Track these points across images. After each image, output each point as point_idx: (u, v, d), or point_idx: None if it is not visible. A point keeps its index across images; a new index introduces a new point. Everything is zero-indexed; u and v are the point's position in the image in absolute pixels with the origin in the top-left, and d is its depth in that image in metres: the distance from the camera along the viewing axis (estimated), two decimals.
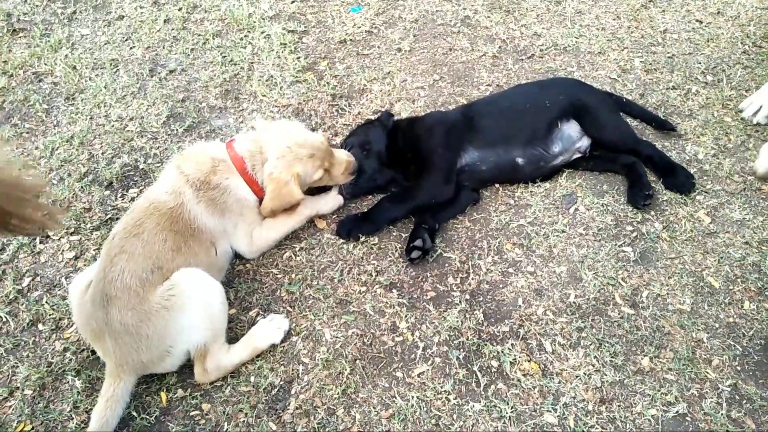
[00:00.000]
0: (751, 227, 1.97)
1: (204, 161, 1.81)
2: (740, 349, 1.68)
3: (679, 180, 2.07)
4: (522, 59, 2.70)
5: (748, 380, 1.61)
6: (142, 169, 2.25)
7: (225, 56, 2.73)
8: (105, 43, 2.83)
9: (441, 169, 2.03)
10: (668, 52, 2.70)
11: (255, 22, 2.90)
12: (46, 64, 2.72)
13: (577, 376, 1.63)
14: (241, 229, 1.88)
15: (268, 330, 1.71)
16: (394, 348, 1.72)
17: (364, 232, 1.99)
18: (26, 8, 3.06)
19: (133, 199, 2.13)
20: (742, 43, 2.73)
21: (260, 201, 1.88)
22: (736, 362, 1.65)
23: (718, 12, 2.93)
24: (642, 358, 1.66)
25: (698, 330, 1.72)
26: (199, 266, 1.68)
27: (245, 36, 2.84)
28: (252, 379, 1.65)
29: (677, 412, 1.55)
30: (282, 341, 1.71)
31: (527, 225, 2.02)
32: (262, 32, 2.84)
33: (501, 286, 1.86)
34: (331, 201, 2.08)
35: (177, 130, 2.39)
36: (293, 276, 1.90)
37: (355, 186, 2.08)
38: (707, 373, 1.63)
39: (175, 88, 2.58)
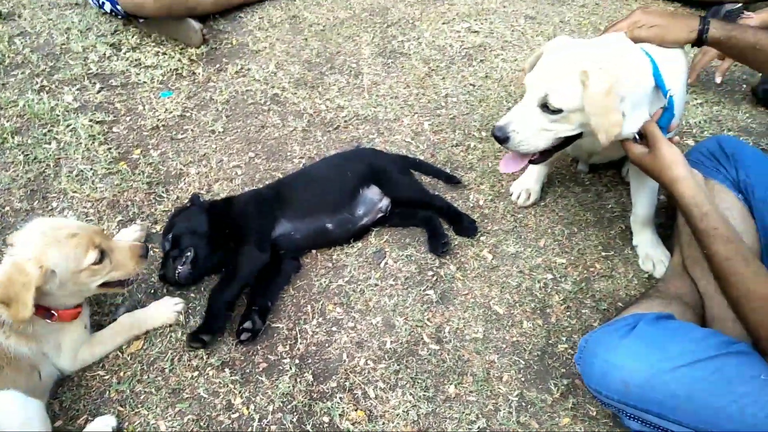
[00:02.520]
0: (523, 258, 2.41)
1: None
2: (523, 363, 2.05)
3: (464, 226, 2.46)
4: (329, 131, 3.01)
5: (530, 388, 1.97)
6: None
7: (27, 154, 2.65)
8: None
9: (254, 239, 2.20)
10: (450, 114, 3.19)
11: (59, 115, 2.85)
12: None
13: (397, 415, 1.86)
14: (64, 349, 1.85)
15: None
16: (231, 425, 1.81)
17: (215, 329, 2.03)
18: None
19: None
20: (506, 100, 3.32)
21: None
22: (521, 374, 2.01)
23: (486, 76, 3.52)
24: (448, 387, 1.95)
25: (490, 353, 2.06)
26: (19, 390, 1.63)
27: (49, 131, 2.78)
28: None
29: (478, 427, 1.84)
30: None
31: (345, 284, 2.25)
32: (68, 125, 2.81)
33: (327, 345, 2.06)
34: (166, 308, 2.06)
35: None
36: (121, 374, 1.91)
37: (191, 271, 2.16)
38: (499, 388, 1.96)
39: None
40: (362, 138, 2.98)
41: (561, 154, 2.40)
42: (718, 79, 3.03)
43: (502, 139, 2.03)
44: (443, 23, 4.00)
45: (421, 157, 2.84)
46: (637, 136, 1.96)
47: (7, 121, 2.80)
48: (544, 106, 1.92)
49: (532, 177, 2.64)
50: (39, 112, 2.83)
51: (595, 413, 1.91)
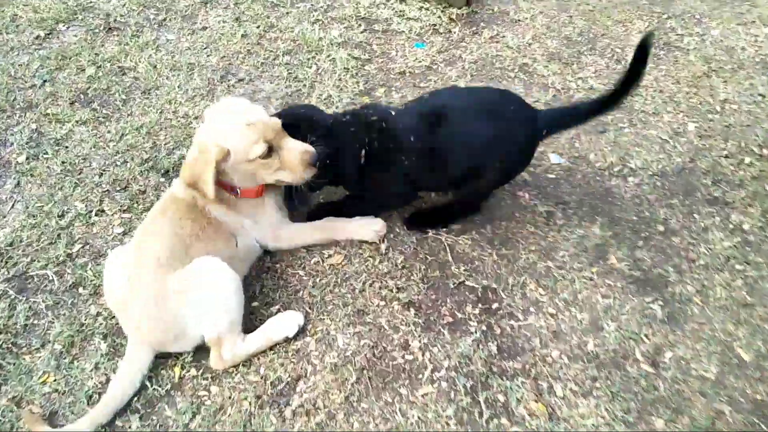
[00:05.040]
0: None
1: None
2: (765, 429, 1.60)
3: None
4: None
5: None
6: None
7: (291, 73, 2.90)
8: (186, 49, 3.06)
9: None
10: (726, 121, 2.67)
11: (323, 45, 3.07)
12: (131, 61, 2.96)
13: (584, 426, 1.59)
14: (261, 224, 1.94)
15: (284, 322, 1.76)
16: (402, 365, 1.73)
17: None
18: (123, 11, 3.35)
19: None
20: None
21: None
22: None
23: None
24: (656, 420, 1.61)
25: (721, 401, 1.65)
26: (219, 255, 1.73)
27: (312, 57, 3.01)
28: (262, 370, 1.70)
29: None
30: (295, 337, 1.75)
31: (555, 268, 2.01)
32: (329, 56, 3.00)
33: (520, 323, 1.85)
34: (369, 227, 2.04)
35: None
36: (317, 280, 1.96)
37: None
38: None
39: (240, 95, 2.75)
40: (609, 125, 2.65)
41: None
42: None
43: None
44: (738, 24, 3.38)
45: (678, 161, 2.43)
46: None
47: (282, 43, 3.11)
48: None
49: None
50: (309, 40, 3.08)
51: None
